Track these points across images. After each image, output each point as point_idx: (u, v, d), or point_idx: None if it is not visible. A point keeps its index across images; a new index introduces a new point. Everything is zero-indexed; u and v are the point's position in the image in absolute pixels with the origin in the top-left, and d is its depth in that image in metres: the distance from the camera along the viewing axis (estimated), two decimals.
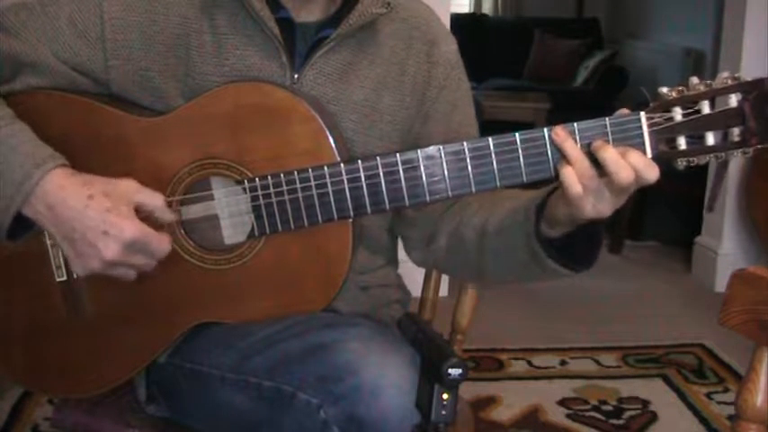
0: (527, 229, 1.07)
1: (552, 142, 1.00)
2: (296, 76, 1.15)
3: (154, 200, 1.08)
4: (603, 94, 6.00)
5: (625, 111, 1.01)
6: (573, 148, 0.99)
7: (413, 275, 1.39)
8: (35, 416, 2.30)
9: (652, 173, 0.98)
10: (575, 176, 0.98)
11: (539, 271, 1.10)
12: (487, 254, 1.16)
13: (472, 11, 7.60)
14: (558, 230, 1.06)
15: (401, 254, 1.32)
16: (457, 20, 3.91)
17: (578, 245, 1.07)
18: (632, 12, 6.99)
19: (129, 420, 1.26)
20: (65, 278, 1.16)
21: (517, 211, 1.10)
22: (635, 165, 0.97)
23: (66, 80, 1.15)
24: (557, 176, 1.01)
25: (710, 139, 0.99)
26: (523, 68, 6.74)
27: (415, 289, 1.40)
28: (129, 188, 1.07)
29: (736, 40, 3.40)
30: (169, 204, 1.11)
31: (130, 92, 1.16)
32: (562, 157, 0.99)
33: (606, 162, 0.97)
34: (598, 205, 0.99)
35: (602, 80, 6.24)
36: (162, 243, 1.07)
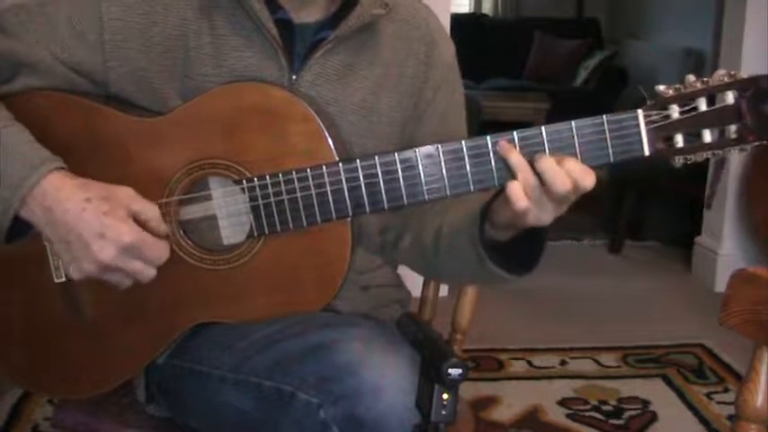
0: (473, 232, 1.08)
1: (497, 153, 1.00)
2: (294, 77, 1.15)
3: (150, 210, 1.07)
4: (603, 94, 6.00)
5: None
6: (517, 158, 0.99)
7: (413, 275, 1.38)
8: (35, 416, 2.30)
9: (588, 180, 0.98)
10: (521, 190, 0.98)
11: (484, 273, 1.11)
12: (441, 254, 1.17)
13: (472, 11, 7.62)
14: (502, 235, 1.07)
15: None
16: (457, 20, 3.91)
17: (521, 248, 1.08)
18: (632, 12, 6.99)
19: (129, 420, 1.27)
20: (63, 279, 1.15)
21: (468, 214, 1.11)
22: (571, 172, 0.97)
23: (64, 81, 1.15)
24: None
25: (707, 136, 0.99)
26: (523, 68, 6.75)
27: (415, 289, 1.40)
28: (126, 195, 1.06)
29: (736, 40, 3.40)
30: (167, 205, 1.11)
31: (129, 92, 1.16)
32: (507, 168, 1.00)
33: (544, 173, 0.97)
34: (539, 214, 1.00)
35: (602, 80, 6.25)
36: (159, 250, 1.06)
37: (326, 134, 1.08)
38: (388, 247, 1.27)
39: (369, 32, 1.18)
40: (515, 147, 1.00)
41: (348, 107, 1.17)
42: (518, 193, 0.98)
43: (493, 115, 4.67)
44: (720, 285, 3.40)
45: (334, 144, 1.08)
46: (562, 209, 1.02)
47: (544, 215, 1.00)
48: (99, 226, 1.03)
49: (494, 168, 1.03)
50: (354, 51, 1.18)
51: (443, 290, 1.60)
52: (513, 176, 0.99)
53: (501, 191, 1.03)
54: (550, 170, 0.97)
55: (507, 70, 6.56)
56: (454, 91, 1.27)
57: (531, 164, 0.98)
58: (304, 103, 1.09)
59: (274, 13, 1.14)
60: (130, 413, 1.27)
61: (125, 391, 1.27)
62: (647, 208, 4.25)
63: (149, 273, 1.07)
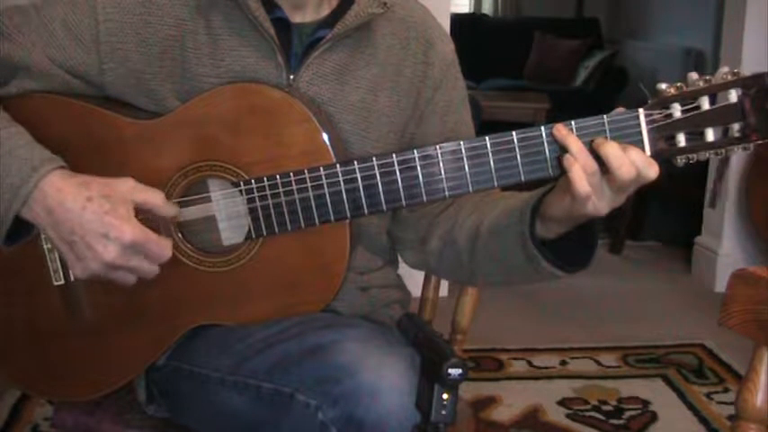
0: (521, 230, 1.07)
1: (554, 139, 1.00)
2: (292, 77, 1.15)
3: (153, 198, 1.07)
4: (603, 94, 5.99)
5: (621, 110, 1.01)
6: (576, 143, 0.98)
7: (413, 275, 1.38)
8: (35, 416, 2.30)
9: (652, 171, 0.98)
10: (583, 174, 0.97)
11: (533, 272, 1.10)
12: (480, 255, 1.15)
13: (472, 11, 7.61)
14: (552, 231, 1.06)
15: None
16: (457, 20, 3.90)
17: (574, 245, 1.07)
18: (632, 12, 6.99)
19: (129, 420, 1.26)
20: (62, 282, 1.15)
21: (511, 212, 1.09)
22: (635, 162, 0.97)
23: (60, 83, 1.14)
24: (555, 175, 1.01)
25: (710, 135, 0.99)
26: (523, 68, 6.74)
27: (415, 289, 1.39)
28: (128, 188, 1.06)
29: (736, 40, 3.40)
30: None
31: (126, 94, 1.15)
32: (566, 153, 0.99)
33: (609, 158, 0.97)
34: (597, 203, 0.99)
35: (602, 80, 6.24)
36: (163, 247, 1.06)
37: (324, 135, 1.08)
38: (411, 247, 1.26)
39: (366, 32, 1.18)
40: (572, 131, 0.99)
41: (346, 107, 1.17)
42: (581, 175, 0.97)
43: (493, 115, 4.66)
44: (720, 285, 3.40)
45: (331, 145, 1.08)
46: (620, 199, 1.01)
47: (602, 204, 0.99)
48: (101, 226, 1.03)
49: (492, 169, 1.02)
50: (352, 51, 1.17)
51: (443, 290, 1.60)
52: (565, 166, 0.98)
53: (552, 188, 1.02)
54: (617, 158, 0.96)
55: (507, 70, 6.55)
56: (454, 87, 1.26)
57: (592, 150, 0.98)
58: (301, 104, 1.09)
59: (271, 13, 1.14)
60: (130, 413, 1.27)
61: (125, 392, 1.26)
62: (647, 208, 4.25)
63: (153, 270, 1.07)
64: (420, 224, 1.23)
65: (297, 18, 1.17)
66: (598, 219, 1.03)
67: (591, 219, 1.03)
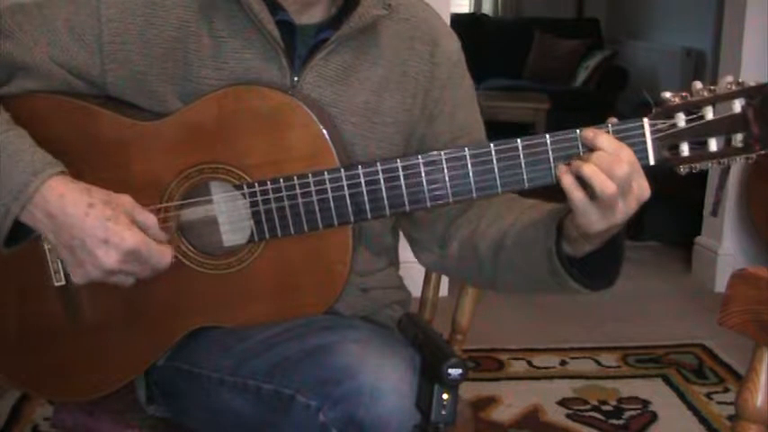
0: (548, 246, 1.06)
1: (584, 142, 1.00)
2: (296, 78, 1.15)
3: (147, 220, 1.07)
4: (603, 95, 6.00)
5: (614, 120, 1.01)
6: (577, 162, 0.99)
7: (413, 275, 1.38)
8: (35, 416, 2.30)
9: (624, 152, 0.97)
10: (574, 182, 0.97)
11: (557, 287, 1.10)
12: (503, 266, 1.15)
13: (472, 11, 7.61)
14: (578, 249, 1.06)
15: (402, 254, 1.31)
16: (457, 20, 3.90)
17: (600, 263, 1.07)
18: (632, 12, 6.99)
19: (129, 420, 1.26)
20: (63, 283, 1.15)
21: (537, 226, 1.09)
22: (631, 163, 0.97)
23: (62, 83, 1.14)
24: (558, 183, 1.01)
25: (713, 145, 0.99)
26: (523, 68, 6.75)
27: (415, 289, 1.39)
28: (128, 200, 1.06)
29: (736, 40, 3.39)
30: (167, 210, 1.10)
31: (128, 95, 1.15)
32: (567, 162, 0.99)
33: (599, 160, 0.97)
34: (608, 214, 0.98)
35: (602, 80, 6.25)
36: (163, 254, 1.06)
37: (327, 138, 1.08)
38: (428, 249, 1.26)
39: (370, 33, 1.17)
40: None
41: (350, 108, 1.17)
42: (572, 183, 0.97)
43: (493, 115, 4.66)
44: (720, 285, 3.40)
45: (335, 148, 1.08)
46: (630, 206, 1.00)
47: (611, 214, 0.99)
48: (103, 232, 1.02)
49: (497, 176, 1.02)
50: (356, 52, 1.17)
51: (443, 290, 1.60)
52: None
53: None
54: (604, 158, 0.96)
55: (507, 70, 6.55)
56: (461, 85, 1.25)
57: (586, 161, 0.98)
58: (304, 107, 1.08)
59: (275, 15, 1.14)
60: (130, 413, 1.27)
61: (125, 392, 1.26)
62: (648, 208, 4.23)
63: (151, 275, 1.07)
64: (437, 226, 1.23)
65: (303, 19, 1.17)
66: (621, 237, 1.03)
67: (615, 237, 1.03)
